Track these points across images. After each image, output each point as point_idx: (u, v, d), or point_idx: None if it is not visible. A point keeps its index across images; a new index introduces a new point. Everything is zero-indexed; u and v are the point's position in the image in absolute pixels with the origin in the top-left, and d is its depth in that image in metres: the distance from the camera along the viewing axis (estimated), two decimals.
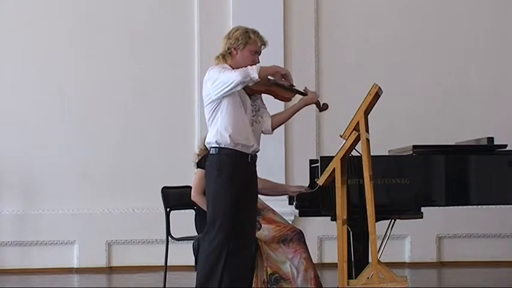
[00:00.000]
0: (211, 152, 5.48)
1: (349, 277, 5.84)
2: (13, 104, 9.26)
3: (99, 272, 9.08)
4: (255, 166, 5.57)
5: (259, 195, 6.30)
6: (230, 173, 5.40)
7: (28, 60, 9.30)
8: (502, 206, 6.91)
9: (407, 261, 9.42)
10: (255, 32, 5.53)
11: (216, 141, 5.43)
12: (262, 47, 5.54)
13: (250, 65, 5.44)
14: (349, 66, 9.50)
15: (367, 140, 5.81)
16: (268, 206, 6.38)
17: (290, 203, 6.56)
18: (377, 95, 5.85)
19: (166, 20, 9.43)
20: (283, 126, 8.99)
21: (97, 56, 9.37)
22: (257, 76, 5.33)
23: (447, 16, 9.66)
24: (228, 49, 5.52)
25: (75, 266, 9.21)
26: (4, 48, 9.30)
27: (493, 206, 7.89)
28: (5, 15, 9.32)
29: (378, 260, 5.78)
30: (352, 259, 6.03)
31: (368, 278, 5.76)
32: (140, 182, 9.23)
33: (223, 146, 5.41)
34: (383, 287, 5.69)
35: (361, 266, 5.94)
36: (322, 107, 5.83)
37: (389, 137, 8.59)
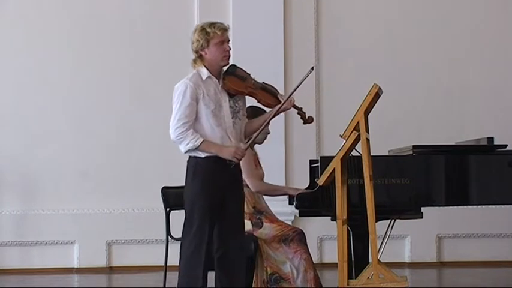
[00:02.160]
0: (189, 154, 5.48)
1: (349, 277, 5.84)
2: (13, 104, 9.26)
3: (99, 272, 9.08)
4: (237, 168, 5.50)
5: (264, 197, 6.31)
6: (205, 177, 5.38)
7: (28, 61, 9.29)
8: (502, 206, 6.90)
9: (407, 261, 9.42)
10: (211, 25, 5.43)
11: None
12: (226, 33, 5.43)
13: (224, 56, 5.42)
14: (349, 66, 9.49)
15: (367, 140, 5.80)
16: (270, 210, 6.36)
17: (290, 203, 6.56)
18: (377, 95, 5.85)
19: (166, 19, 9.43)
20: (283, 126, 9.13)
21: (97, 56, 9.37)
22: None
23: (447, 16, 9.66)
24: (197, 52, 5.47)
25: (75, 266, 9.21)
26: (4, 48, 9.30)
27: (493, 206, 7.90)
28: (5, 15, 9.32)
29: (378, 260, 5.77)
30: (352, 259, 6.03)
31: (368, 278, 5.76)
32: (140, 182, 9.23)
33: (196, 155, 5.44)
34: (383, 287, 5.69)
35: (361, 266, 5.93)
36: (307, 120, 5.68)
37: (389, 137, 8.59)
